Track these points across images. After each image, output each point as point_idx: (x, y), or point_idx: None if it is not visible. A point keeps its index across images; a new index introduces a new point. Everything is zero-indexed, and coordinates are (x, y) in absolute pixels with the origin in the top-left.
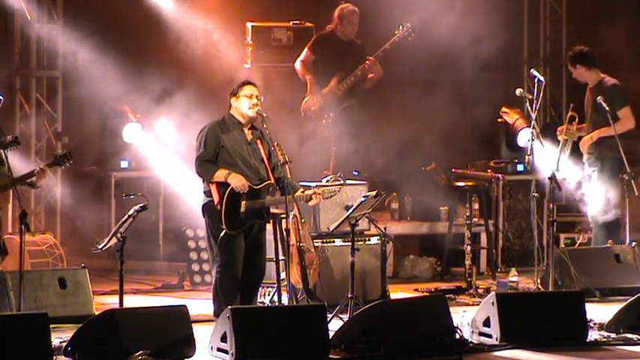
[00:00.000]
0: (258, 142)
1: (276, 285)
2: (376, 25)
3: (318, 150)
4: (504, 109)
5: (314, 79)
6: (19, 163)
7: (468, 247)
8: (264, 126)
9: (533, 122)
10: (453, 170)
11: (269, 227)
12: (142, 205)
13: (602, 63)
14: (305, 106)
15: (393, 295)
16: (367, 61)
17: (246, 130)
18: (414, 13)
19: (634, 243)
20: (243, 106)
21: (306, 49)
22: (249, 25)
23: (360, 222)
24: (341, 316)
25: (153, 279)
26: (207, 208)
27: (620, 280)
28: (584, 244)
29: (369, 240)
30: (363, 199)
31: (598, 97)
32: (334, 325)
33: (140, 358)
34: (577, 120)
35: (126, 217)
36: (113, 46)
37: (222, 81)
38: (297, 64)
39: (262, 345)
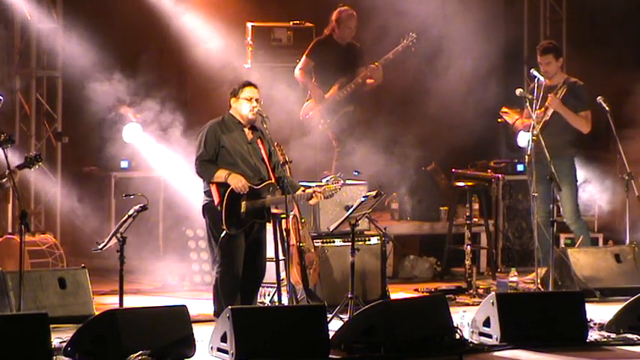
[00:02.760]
0: (259, 141)
1: (276, 285)
2: (377, 28)
3: (318, 150)
4: (504, 109)
5: (315, 85)
6: (18, 163)
7: (468, 247)
8: (264, 126)
9: (533, 122)
10: (453, 170)
11: (269, 227)
12: (142, 205)
13: (603, 63)
14: (304, 110)
15: (393, 295)
16: (372, 66)
17: (246, 130)
18: (414, 12)
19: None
20: (243, 109)
21: (304, 56)
22: (249, 25)
23: (360, 222)
24: (341, 316)
25: (153, 279)
26: (208, 209)
27: (620, 280)
28: (583, 244)
29: (369, 240)
30: (363, 199)
31: (598, 97)
32: (334, 325)
33: (140, 358)
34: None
35: (126, 217)
36: (113, 45)
37: (222, 80)
38: (297, 73)
39: (262, 345)
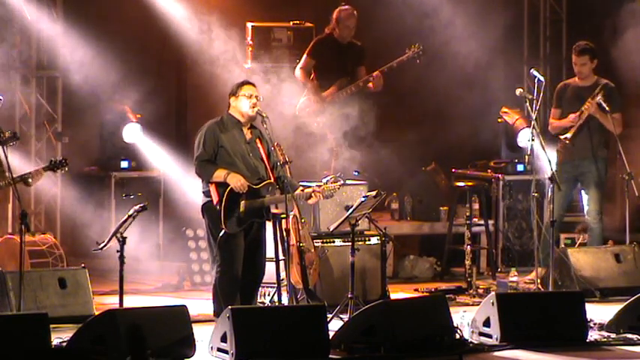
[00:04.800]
0: (258, 141)
1: (276, 285)
2: (377, 29)
3: (318, 150)
4: (504, 109)
5: (315, 84)
6: (19, 163)
7: (468, 247)
8: (264, 126)
9: (533, 122)
10: (453, 170)
11: (269, 227)
12: (142, 205)
13: (603, 63)
14: (300, 107)
15: (393, 295)
16: (373, 75)
17: (245, 130)
18: (414, 12)
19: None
20: (243, 106)
21: (304, 55)
22: (249, 25)
23: (360, 222)
24: (341, 316)
25: (153, 279)
26: (207, 209)
27: (620, 280)
28: (584, 244)
29: (369, 240)
30: (363, 199)
31: (598, 97)
32: (334, 325)
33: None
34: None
35: (126, 217)
36: (113, 45)
37: (222, 80)
38: (297, 72)
39: (262, 345)
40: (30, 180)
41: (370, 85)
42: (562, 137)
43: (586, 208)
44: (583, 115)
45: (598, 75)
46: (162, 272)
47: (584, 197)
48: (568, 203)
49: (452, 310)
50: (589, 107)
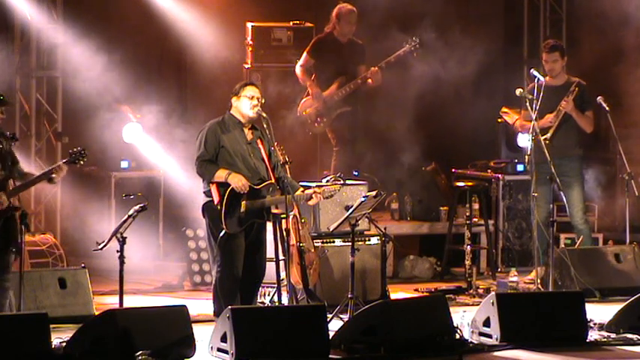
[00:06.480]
0: (259, 141)
1: (276, 285)
2: (376, 28)
3: (318, 150)
4: (504, 109)
5: (315, 83)
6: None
7: (468, 247)
8: (265, 126)
9: (533, 122)
10: (453, 170)
11: (269, 227)
12: (142, 205)
13: (602, 63)
14: (302, 107)
15: (393, 295)
16: (370, 71)
17: (246, 130)
18: (414, 12)
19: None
20: (244, 107)
21: (305, 53)
22: (249, 25)
23: (360, 222)
24: (341, 316)
25: (153, 279)
26: (208, 209)
27: (620, 280)
28: (583, 244)
29: (369, 240)
30: (363, 199)
31: (598, 97)
32: (334, 325)
33: (140, 358)
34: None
35: (126, 217)
36: (113, 45)
37: (222, 80)
38: (297, 69)
39: (262, 345)
40: (54, 176)
41: (370, 81)
42: (542, 137)
43: (569, 210)
44: (560, 114)
45: (569, 74)
46: (162, 272)
47: (564, 199)
48: (551, 203)
49: (452, 310)
50: (566, 105)
